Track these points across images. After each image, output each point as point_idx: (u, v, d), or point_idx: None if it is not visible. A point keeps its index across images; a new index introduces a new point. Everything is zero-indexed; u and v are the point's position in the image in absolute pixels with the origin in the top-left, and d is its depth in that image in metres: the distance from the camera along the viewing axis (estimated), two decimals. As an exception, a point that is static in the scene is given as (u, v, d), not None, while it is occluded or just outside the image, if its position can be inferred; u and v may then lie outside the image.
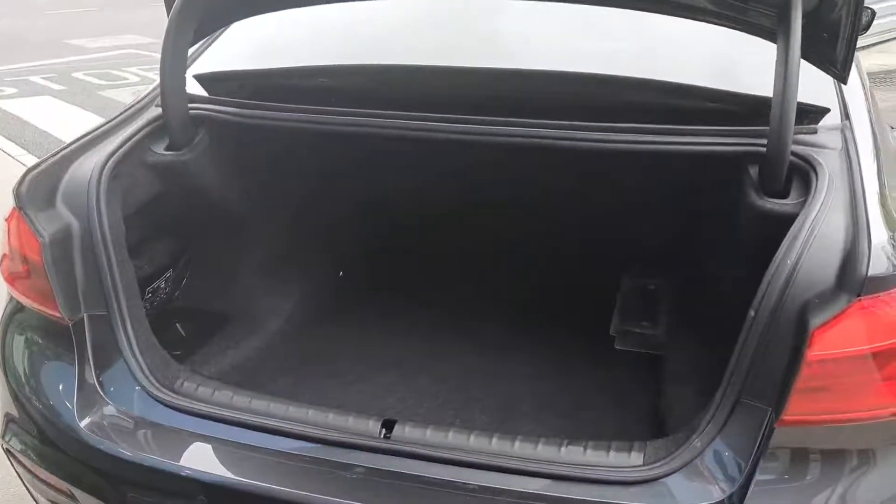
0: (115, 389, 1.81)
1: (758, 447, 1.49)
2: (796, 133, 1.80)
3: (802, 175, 1.74)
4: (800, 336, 1.45)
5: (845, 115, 1.92)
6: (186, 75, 2.32)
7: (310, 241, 2.59)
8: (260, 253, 2.49)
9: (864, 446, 1.54)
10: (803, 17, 1.75)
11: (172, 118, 2.07)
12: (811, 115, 1.90)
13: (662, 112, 1.99)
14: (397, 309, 2.58)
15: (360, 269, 2.80)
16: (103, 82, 8.86)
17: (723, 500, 1.47)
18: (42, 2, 15.48)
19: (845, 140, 1.82)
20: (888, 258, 1.48)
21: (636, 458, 1.59)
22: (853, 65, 2.05)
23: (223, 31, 2.49)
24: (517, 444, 1.64)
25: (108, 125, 2.09)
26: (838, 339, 1.44)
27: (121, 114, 2.15)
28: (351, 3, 2.26)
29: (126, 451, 1.72)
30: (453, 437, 1.66)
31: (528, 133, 1.93)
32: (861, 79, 2.16)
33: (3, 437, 1.96)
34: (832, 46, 1.82)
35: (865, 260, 1.44)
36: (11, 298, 1.99)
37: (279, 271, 2.54)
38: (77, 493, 1.82)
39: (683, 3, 1.90)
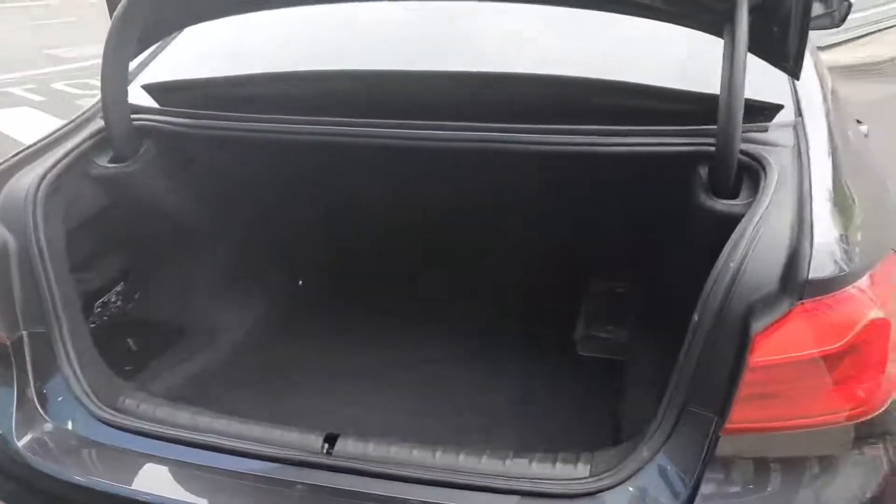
0: (55, 407, 1.77)
1: (704, 457, 1.45)
2: (746, 131, 1.76)
3: (753, 174, 1.70)
4: (742, 341, 1.41)
5: (798, 111, 1.88)
6: (134, 85, 2.29)
7: (267, 251, 2.55)
8: (216, 264, 2.45)
9: (822, 453, 1.49)
10: (750, 11, 1.71)
11: (115, 130, 2.03)
12: (764, 112, 1.86)
13: (620, 113, 1.95)
14: (358, 319, 2.54)
15: (321, 280, 2.76)
16: (81, 92, 8.78)
17: None
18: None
19: (797, 137, 1.78)
20: (834, 259, 1.44)
21: (582, 469, 1.55)
22: (811, 59, 2.03)
23: (174, 38, 2.45)
24: (461, 457, 1.60)
25: (49, 138, 2.04)
26: (781, 343, 1.40)
27: (63, 126, 2.10)
28: (307, 6, 2.23)
29: (63, 471, 1.68)
30: (395, 452, 1.61)
31: (480, 137, 1.89)
32: (819, 73, 2.13)
33: None
34: (783, 41, 1.78)
35: (807, 262, 1.40)
36: None
37: (236, 283, 2.50)
38: None
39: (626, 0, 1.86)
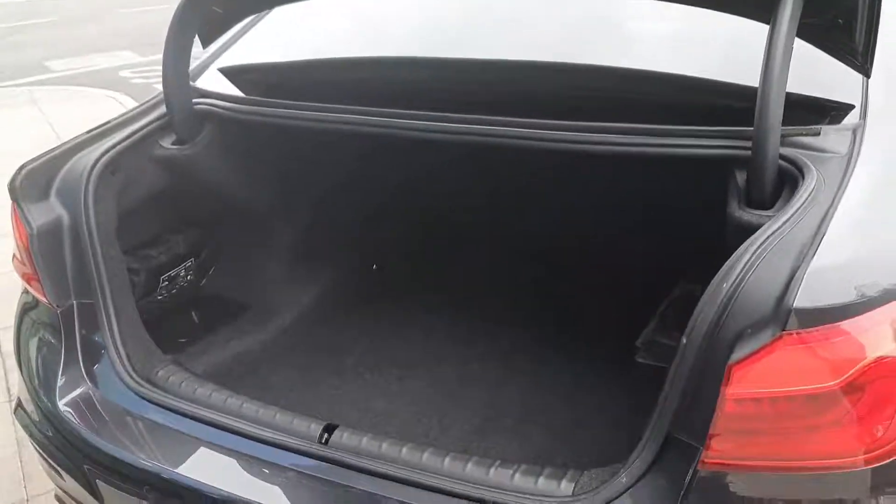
0: (95, 374, 1.90)
1: (684, 490, 1.33)
2: (795, 135, 1.59)
3: (793, 183, 1.53)
4: (721, 370, 1.28)
5: (864, 113, 1.66)
6: (212, 67, 2.39)
7: (327, 237, 2.58)
8: (277, 247, 2.52)
9: (829, 499, 1.33)
10: (808, 2, 1.53)
11: (176, 113, 2.13)
12: (830, 112, 1.67)
13: (670, 109, 1.81)
14: (406, 311, 2.53)
15: (381, 269, 2.78)
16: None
17: None
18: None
19: (853, 143, 1.58)
20: (834, 288, 1.27)
21: (566, 487, 1.48)
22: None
23: (257, 21, 2.52)
24: (447, 460, 1.57)
25: (117, 120, 2.17)
26: (762, 376, 1.25)
27: (132, 110, 2.23)
28: None
29: (91, 434, 1.80)
30: (386, 448, 1.61)
31: (529, 135, 1.82)
32: None
33: (15, 413, 2.11)
34: (848, 33, 1.59)
35: (796, 289, 1.24)
36: (24, 288, 2.12)
37: (298, 266, 2.56)
38: (62, 472, 1.93)
39: None
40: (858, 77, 1.71)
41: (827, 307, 1.25)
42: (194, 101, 2.17)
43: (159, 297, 2.26)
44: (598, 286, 2.48)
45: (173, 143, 2.16)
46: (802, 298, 1.24)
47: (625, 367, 2.24)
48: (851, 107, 1.68)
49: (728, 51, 1.95)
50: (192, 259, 2.37)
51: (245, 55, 2.43)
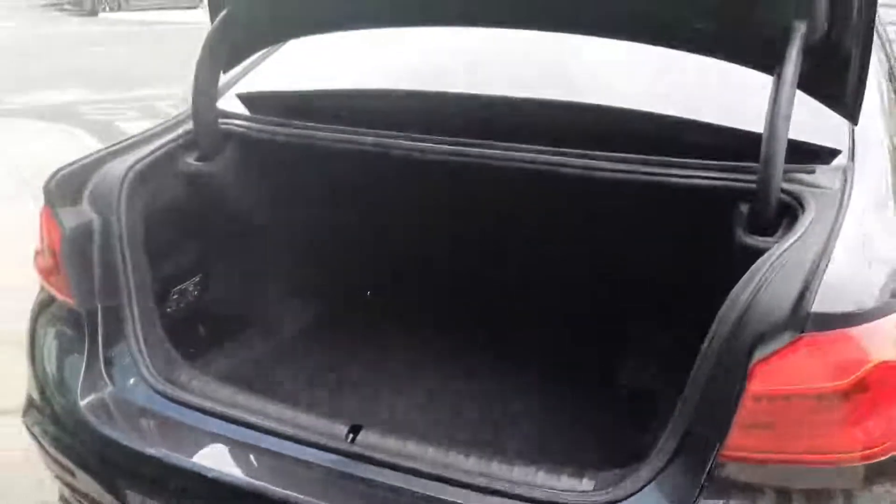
0: (117, 375, 1.95)
1: (703, 480, 1.46)
2: (792, 171, 1.77)
3: (792, 213, 1.71)
4: (745, 370, 1.43)
5: (852, 156, 1.87)
6: (231, 93, 2.50)
7: (335, 258, 2.68)
8: (285, 265, 2.60)
9: (829, 489, 1.47)
10: (806, 51, 1.73)
11: (202, 131, 2.23)
12: (818, 156, 1.87)
13: (668, 146, 1.99)
14: (408, 329, 2.63)
15: (385, 290, 2.88)
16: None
17: None
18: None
19: (844, 181, 1.78)
20: (844, 296, 1.44)
21: (587, 484, 1.59)
22: (878, 100, 2.01)
23: (275, 50, 2.65)
24: (471, 459, 1.66)
25: (144, 134, 2.26)
26: (781, 375, 1.40)
27: (159, 125, 2.32)
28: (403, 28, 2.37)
29: (115, 432, 1.85)
30: (412, 447, 1.70)
31: (535, 159, 1.97)
32: (885, 116, 2.10)
33: (24, 416, 2.13)
34: (840, 84, 1.79)
35: (813, 295, 1.40)
36: (42, 289, 2.15)
37: (302, 285, 2.64)
38: (76, 470, 1.95)
39: (677, 35, 1.90)
40: (842, 123, 1.92)
41: (840, 313, 1.41)
42: (220, 120, 2.27)
43: (168, 309, 2.31)
44: (592, 311, 2.62)
45: (197, 159, 2.25)
46: (818, 305, 1.40)
47: (609, 385, 2.38)
48: (839, 151, 1.89)
49: (730, 96, 2.15)
50: (201, 274, 2.43)
51: (263, 82, 2.55)
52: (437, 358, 2.50)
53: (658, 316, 2.45)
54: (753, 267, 1.52)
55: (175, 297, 2.35)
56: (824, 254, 1.51)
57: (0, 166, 6.61)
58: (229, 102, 2.48)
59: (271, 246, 2.53)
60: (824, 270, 1.46)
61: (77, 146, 7.30)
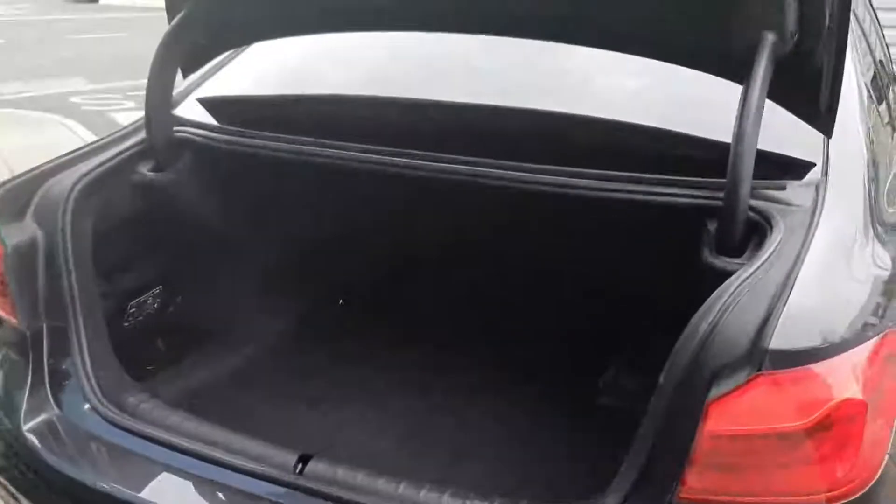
0: (62, 398, 1.87)
1: None
2: (763, 188, 1.68)
3: (761, 233, 1.62)
4: (701, 406, 1.34)
5: (825, 170, 1.77)
6: (191, 98, 2.42)
7: (300, 269, 2.60)
8: (249, 277, 2.52)
9: None
10: (777, 62, 1.64)
11: (156, 140, 2.14)
12: (792, 168, 1.78)
13: (641, 158, 1.90)
14: (377, 345, 2.55)
15: (354, 307, 2.80)
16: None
17: None
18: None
19: (816, 198, 1.68)
20: (807, 331, 1.35)
21: None
22: (858, 111, 1.92)
23: (239, 53, 2.56)
24: (422, 492, 1.59)
25: (95, 144, 2.17)
26: (737, 414, 1.32)
27: (111, 134, 2.24)
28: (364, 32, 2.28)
29: (59, 459, 1.78)
30: (361, 480, 1.62)
31: (499, 175, 1.88)
32: (865, 126, 2.00)
33: None
34: (812, 96, 1.70)
35: (772, 329, 1.32)
36: None
37: (266, 296, 2.56)
38: (20, 496, 1.88)
39: (646, 43, 1.81)
40: (819, 135, 1.83)
41: (799, 350, 1.32)
42: (175, 128, 2.19)
43: (126, 324, 2.24)
44: (564, 328, 2.53)
45: (151, 169, 2.17)
46: (777, 341, 1.31)
47: (585, 407, 2.29)
48: (813, 164, 1.79)
49: (697, 105, 2.05)
50: (161, 286, 2.36)
51: (225, 87, 2.46)
52: (406, 380, 2.41)
53: (638, 337, 2.37)
54: (715, 294, 1.43)
55: (133, 310, 2.27)
56: (788, 281, 1.42)
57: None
58: (191, 107, 2.40)
59: (235, 258, 2.45)
60: (786, 300, 1.38)
61: (70, 138, 7.26)
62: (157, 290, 2.35)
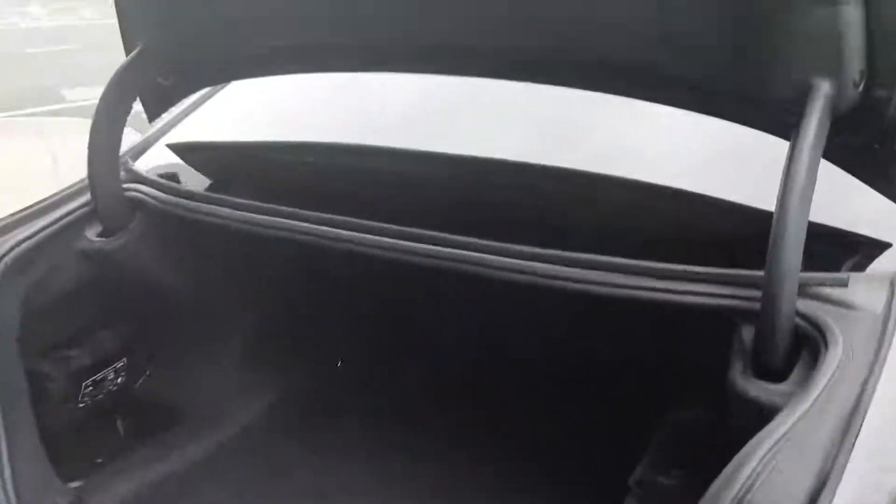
0: None
1: None
2: (816, 284, 1.28)
3: (813, 349, 1.21)
4: None
5: None
6: (161, 142, 2.14)
7: (280, 344, 2.28)
8: (224, 350, 2.21)
9: None
10: (839, 120, 1.24)
11: (101, 201, 1.85)
12: (853, 254, 1.37)
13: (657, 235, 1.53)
14: (368, 426, 2.24)
15: (336, 380, 2.48)
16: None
17: None
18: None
19: (891, 298, 1.27)
20: None
21: None
22: None
23: (213, 94, 2.26)
24: None
25: (41, 205, 1.89)
26: None
27: (63, 190, 1.96)
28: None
29: None
30: None
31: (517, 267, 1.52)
32: None
33: None
34: (886, 157, 1.29)
35: None
36: None
37: (242, 373, 2.24)
38: None
39: (678, 95, 1.42)
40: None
41: None
42: (124, 185, 1.89)
43: (80, 405, 1.97)
44: (583, 419, 2.17)
45: (99, 235, 1.89)
46: None
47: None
48: (888, 245, 1.38)
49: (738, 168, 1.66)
50: (125, 359, 2.08)
51: (198, 131, 2.17)
52: (390, 471, 2.10)
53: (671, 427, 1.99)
54: (742, 452, 1.04)
55: (89, 389, 2.00)
56: (846, 437, 1.03)
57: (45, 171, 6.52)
58: (160, 153, 2.12)
59: (205, 328, 2.14)
60: (843, 469, 0.99)
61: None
62: (120, 364, 2.07)
